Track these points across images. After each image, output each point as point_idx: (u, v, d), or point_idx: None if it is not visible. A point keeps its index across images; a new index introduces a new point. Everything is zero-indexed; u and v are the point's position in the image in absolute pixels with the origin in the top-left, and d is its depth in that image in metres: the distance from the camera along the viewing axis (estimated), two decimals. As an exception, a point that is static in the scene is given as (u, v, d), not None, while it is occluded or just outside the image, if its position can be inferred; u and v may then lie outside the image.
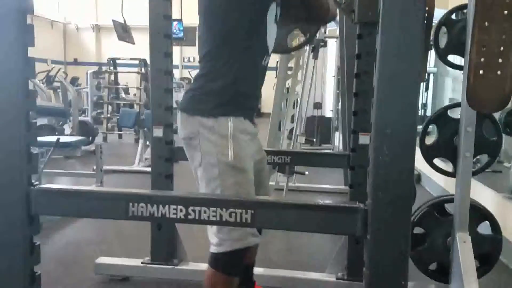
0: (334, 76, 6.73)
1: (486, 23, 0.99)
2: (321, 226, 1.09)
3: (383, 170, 1.03)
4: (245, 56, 1.40)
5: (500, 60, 0.97)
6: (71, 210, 1.17)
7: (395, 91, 1.03)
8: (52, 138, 3.41)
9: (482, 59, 0.97)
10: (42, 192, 1.15)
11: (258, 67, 1.46)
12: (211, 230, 1.38)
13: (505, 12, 0.97)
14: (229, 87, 1.38)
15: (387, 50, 1.01)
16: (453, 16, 1.96)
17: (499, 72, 0.97)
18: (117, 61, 8.48)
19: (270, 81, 4.93)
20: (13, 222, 1.13)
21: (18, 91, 1.12)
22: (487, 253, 2.00)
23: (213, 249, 1.38)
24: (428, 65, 5.91)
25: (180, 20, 7.68)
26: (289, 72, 4.51)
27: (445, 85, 6.27)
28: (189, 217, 1.14)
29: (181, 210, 1.14)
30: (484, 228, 2.05)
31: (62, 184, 4.48)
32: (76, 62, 15.85)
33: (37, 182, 1.19)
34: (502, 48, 0.98)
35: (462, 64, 1.81)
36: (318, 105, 7.52)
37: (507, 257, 2.50)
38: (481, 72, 0.98)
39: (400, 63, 1.01)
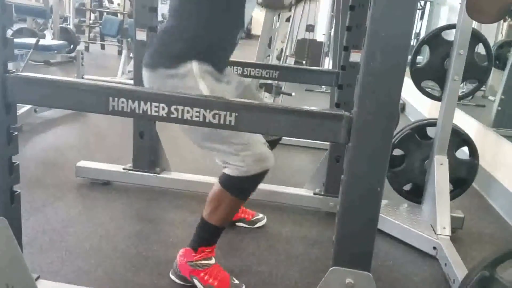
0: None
1: None
2: (305, 131, 1.08)
3: (373, 77, 1.01)
4: (215, 19, 1.35)
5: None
6: (49, 99, 1.13)
7: (392, 2, 0.99)
8: (32, 40, 3.25)
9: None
10: (20, 80, 1.10)
11: (228, 37, 1.42)
12: (225, 150, 1.32)
13: None
14: (193, 40, 1.34)
15: None
16: None
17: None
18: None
19: None
20: (-12, 107, 1.09)
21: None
22: (462, 177, 2.06)
23: (231, 171, 1.32)
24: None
25: None
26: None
27: (441, 14, 6.10)
28: (172, 115, 1.11)
29: (163, 108, 1.11)
30: (462, 154, 2.10)
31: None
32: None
33: (13, 70, 1.14)
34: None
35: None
36: (310, 28, 7.30)
37: (480, 184, 2.59)
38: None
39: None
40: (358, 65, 1.06)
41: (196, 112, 1.12)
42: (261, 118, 1.11)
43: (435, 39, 1.89)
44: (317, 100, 4.71)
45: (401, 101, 4.70)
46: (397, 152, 2.10)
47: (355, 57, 2.01)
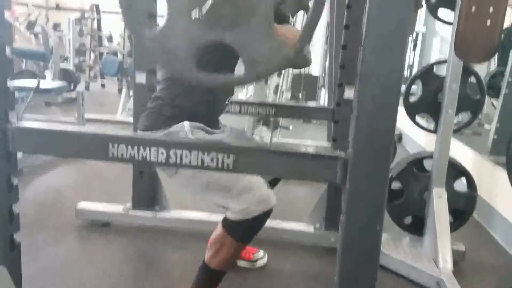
0: (323, 33, 6.63)
1: (479, -28, 0.96)
2: (302, 172, 1.10)
3: (366, 119, 1.03)
4: (205, 93, 1.43)
5: (491, 10, 0.95)
6: (49, 148, 1.15)
7: (383, 42, 1.02)
8: (33, 82, 3.31)
9: (473, 8, 0.95)
10: (20, 130, 1.13)
11: (218, 105, 1.52)
12: (226, 196, 1.32)
13: (499, -40, 0.95)
14: (184, 115, 1.42)
15: (376, 2, 0.98)
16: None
17: (489, 22, 0.95)
18: (101, 8, 8.18)
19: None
20: (-11, 159, 1.11)
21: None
22: (461, 209, 2.06)
23: (234, 215, 1.31)
24: (417, 25, 5.85)
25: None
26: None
27: (433, 45, 6.24)
28: (170, 160, 1.13)
29: (162, 153, 1.13)
30: (460, 185, 2.10)
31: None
32: (58, 8, 15.26)
33: (14, 120, 1.16)
34: (494, -3, 0.96)
35: (452, 20, 1.79)
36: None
37: (480, 214, 2.58)
38: (471, 20, 0.97)
39: (389, 13, 0.99)
40: (352, 102, 1.08)
41: (194, 155, 1.14)
42: (258, 160, 1.13)
43: (427, 74, 1.94)
44: (315, 132, 4.75)
45: (397, 132, 4.74)
46: (396, 185, 2.11)
47: (349, 93, 2.05)
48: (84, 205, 2.30)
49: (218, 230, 1.36)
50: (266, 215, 1.33)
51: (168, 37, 0.91)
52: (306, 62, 1.54)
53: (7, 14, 1.11)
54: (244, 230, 1.33)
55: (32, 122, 1.16)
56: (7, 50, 1.13)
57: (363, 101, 1.03)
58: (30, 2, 8.31)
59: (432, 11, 1.85)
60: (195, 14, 0.87)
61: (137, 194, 2.26)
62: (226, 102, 1.57)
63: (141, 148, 1.12)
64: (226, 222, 1.35)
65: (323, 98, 6.21)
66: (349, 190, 1.05)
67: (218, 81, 0.95)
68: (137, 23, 0.93)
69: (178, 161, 1.14)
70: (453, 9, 1.69)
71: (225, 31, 0.89)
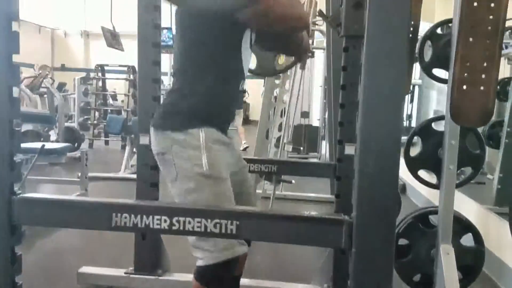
0: (321, 86, 6.78)
1: (470, 39, 1.00)
2: (306, 238, 1.10)
3: (367, 182, 1.04)
4: (217, 77, 1.40)
5: (483, 76, 0.99)
6: (53, 220, 1.16)
7: (379, 104, 1.04)
8: (37, 145, 3.36)
9: (465, 74, 0.99)
10: (25, 202, 1.14)
11: (232, 90, 1.47)
12: (195, 243, 1.32)
13: (489, 28, 0.99)
14: (200, 104, 1.39)
15: (372, 63, 1.02)
16: (439, 30, 2.00)
17: (482, 88, 0.99)
18: (106, 68, 8.43)
19: (258, 89, 4.89)
20: (-6, 231, 1.11)
21: (1, 98, 1.10)
22: (470, 265, 2.02)
23: (199, 262, 1.33)
24: (413, 77, 5.98)
25: (170, 28, 7.67)
26: (277, 82, 4.52)
27: (430, 97, 6.35)
28: (173, 228, 1.13)
29: (165, 221, 1.13)
30: (468, 240, 2.07)
31: (46, 191, 4.42)
32: (63, 68, 15.74)
33: (19, 191, 1.18)
34: (485, 64, 1.00)
35: (447, 77, 1.83)
36: (305, 114, 7.57)
37: (490, 268, 2.52)
38: (464, 87, 1.00)
39: (384, 76, 1.03)
40: (353, 158, 1.10)
41: (198, 222, 1.14)
42: (262, 226, 1.13)
43: (426, 130, 1.96)
44: (317, 185, 4.73)
45: (401, 182, 4.72)
46: (403, 241, 2.08)
47: (350, 149, 2.07)
48: (86, 269, 2.26)
49: (193, 285, 1.35)
50: (233, 261, 1.30)
51: None
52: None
53: (15, 90, 1.15)
54: (213, 275, 1.30)
55: (36, 194, 1.18)
56: (14, 122, 1.16)
57: (363, 163, 1.04)
58: (36, 63, 8.60)
59: (427, 70, 1.91)
60: None
61: (139, 258, 2.23)
62: (241, 88, 1.51)
63: (144, 216, 1.13)
64: (196, 272, 1.33)
65: (325, 150, 6.24)
66: (355, 254, 1.04)
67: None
68: None
69: (181, 228, 1.14)
70: (447, 69, 1.73)
71: None
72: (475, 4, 0.96)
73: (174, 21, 1.44)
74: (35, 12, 14.25)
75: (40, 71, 6.42)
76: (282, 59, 3.09)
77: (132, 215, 1.12)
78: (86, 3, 16.15)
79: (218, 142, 1.40)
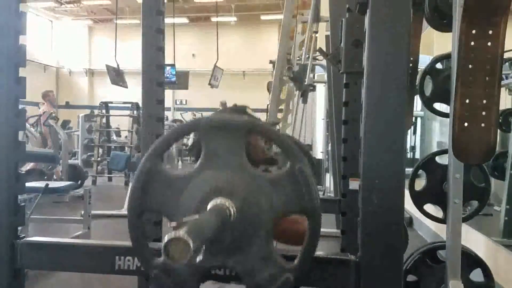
0: (323, 119, 6.83)
1: (469, 77, 1.02)
2: (314, 279, 1.08)
3: (373, 221, 1.03)
4: None
5: (484, 113, 0.99)
6: (56, 264, 1.15)
7: (381, 139, 1.04)
8: (41, 184, 3.37)
9: (466, 112, 1.00)
10: (28, 246, 1.13)
11: None
12: None
13: (487, 67, 1.01)
14: None
15: (372, 99, 1.03)
16: (438, 65, 2.02)
17: (483, 125, 0.99)
18: (110, 104, 8.54)
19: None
20: (-4, 276, 1.10)
21: (7, 142, 1.12)
22: (481, 301, 1.97)
23: None
24: (415, 109, 6.02)
25: (173, 65, 7.82)
26: (279, 116, 4.57)
27: (433, 128, 6.37)
28: (177, 269, 1.11)
29: (169, 263, 1.11)
30: (477, 275, 2.03)
31: (49, 230, 4.40)
32: (68, 105, 15.96)
33: (23, 235, 1.17)
34: (485, 101, 1.01)
35: (448, 111, 1.84)
36: (308, 147, 7.57)
37: (502, 303, 2.46)
38: (465, 124, 1.00)
39: (385, 112, 1.03)
40: (358, 193, 1.09)
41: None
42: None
43: (429, 164, 1.96)
44: (323, 220, 4.68)
45: (408, 215, 4.67)
46: (411, 278, 2.04)
47: (354, 185, 2.06)
48: (88, 311, 2.22)
49: None
50: None
51: (174, 266, 0.96)
52: None
53: (20, 134, 1.16)
54: None
55: (39, 238, 1.17)
56: (19, 166, 1.17)
57: (368, 202, 1.03)
58: (41, 101, 8.71)
59: (427, 105, 1.92)
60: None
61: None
62: None
63: (148, 259, 1.11)
64: None
65: (329, 183, 6.22)
66: (363, 295, 1.02)
67: None
68: (147, 253, 0.98)
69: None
70: (448, 103, 1.75)
71: (227, 258, 0.95)
72: (472, 43, 0.98)
73: None
74: (40, 52, 14.57)
75: (44, 111, 6.50)
76: (284, 93, 3.13)
77: (136, 258, 1.11)
78: (91, 42, 16.54)
79: None
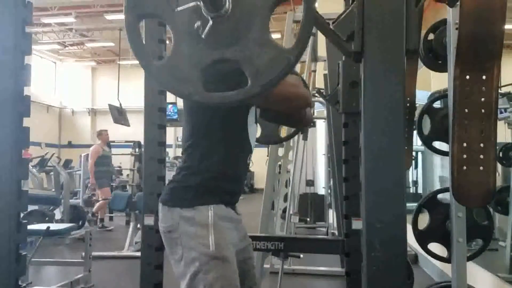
0: (324, 154, 6.84)
1: (466, 121, 1.03)
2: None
3: (376, 267, 1.02)
4: (226, 153, 1.42)
5: (481, 156, 1.01)
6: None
7: (381, 180, 1.05)
8: (42, 226, 3.35)
9: (464, 155, 1.01)
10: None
11: (240, 164, 1.48)
12: None
13: (483, 111, 1.03)
14: (209, 181, 1.40)
15: (370, 140, 1.04)
16: (436, 103, 2.05)
17: (482, 168, 1.00)
18: (111, 143, 8.59)
19: (262, 158, 4.92)
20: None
21: (10, 192, 1.13)
22: None
23: None
24: (415, 144, 6.05)
25: (175, 103, 7.94)
26: (280, 154, 4.57)
27: (434, 162, 6.37)
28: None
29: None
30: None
31: (49, 273, 4.34)
32: (70, 145, 16.04)
33: (24, 284, 1.16)
34: (482, 145, 1.02)
35: (447, 149, 1.86)
36: (310, 182, 7.57)
37: None
38: (464, 167, 1.01)
39: (383, 152, 1.04)
40: (360, 232, 1.08)
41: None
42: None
43: (432, 202, 1.96)
44: (327, 258, 4.62)
45: (413, 252, 4.60)
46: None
47: (357, 224, 2.04)
48: None
49: None
50: None
51: (175, 64, 0.96)
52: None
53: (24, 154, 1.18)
54: None
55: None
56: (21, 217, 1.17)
57: (371, 247, 1.03)
58: (44, 141, 8.79)
59: (427, 143, 1.94)
60: (199, 31, 0.92)
61: None
62: (248, 161, 1.53)
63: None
64: None
65: (332, 219, 6.16)
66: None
67: (227, 97, 0.96)
68: (147, 58, 0.97)
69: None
70: (447, 141, 1.77)
71: (226, 49, 0.94)
72: (467, 88, 1.00)
73: (182, 101, 1.49)
74: (43, 92, 14.79)
75: (47, 152, 6.54)
76: (284, 132, 3.16)
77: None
78: (94, 83, 16.81)
79: (226, 219, 1.40)
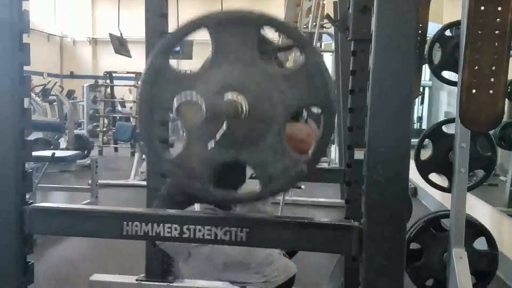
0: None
1: (478, 43, 1.00)
2: (317, 244, 1.09)
3: (377, 190, 1.03)
4: None
5: (492, 80, 0.98)
6: (65, 229, 1.16)
7: (388, 108, 1.03)
8: (47, 153, 3.39)
9: (474, 79, 0.98)
10: (36, 211, 1.14)
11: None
12: (245, 271, 1.31)
13: (497, 32, 0.99)
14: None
15: (380, 68, 1.01)
16: (447, 32, 1.99)
17: (491, 91, 0.98)
18: (114, 74, 8.49)
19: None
20: (6, 242, 1.12)
21: (13, 109, 1.12)
22: (483, 269, 2.00)
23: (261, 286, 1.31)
24: (423, 79, 5.96)
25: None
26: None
27: (440, 98, 6.31)
28: (184, 235, 1.13)
29: (175, 229, 1.13)
30: (480, 243, 2.05)
31: (56, 199, 4.47)
32: (72, 75, 15.89)
33: (31, 201, 1.19)
34: (493, 68, 0.99)
35: (456, 80, 1.82)
36: (314, 118, 7.55)
37: (504, 272, 2.49)
38: (473, 91, 0.99)
39: (392, 80, 1.02)
40: (363, 162, 1.09)
41: (208, 230, 1.14)
42: (272, 233, 1.13)
43: (436, 133, 1.95)
44: (327, 190, 4.72)
45: (412, 185, 4.69)
46: (415, 246, 2.07)
47: (359, 154, 2.06)
48: (97, 277, 2.27)
49: None
50: (288, 284, 1.31)
51: (186, 160, 0.96)
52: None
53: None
54: None
55: (47, 204, 1.19)
56: (25, 134, 1.17)
57: (373, 170, 1.03)
58: (46, 71, 8.70)
59: (436, 73, 1.90)
60: (210, 144, 0.90)
61: (150, 265, 2.23)
62: None
63: (155, 225, 1.13)
64: None
65: (334, 154, 6.22)
66: (366, 260, 1.03)
67: (235, 197, 1.01)
68: (158, 149, 0.98)
69: (192, 236, 1.14)
70: (456, 71, 1.72)
71: (240, 152, 0.94)
72: (482, 8, 0.95)
73: None
74: (43, 21, 14.42)
75: (49, 80, 6.49)
76: (290, 62, 3.09)
77: (143, 224, 1.12)
78: (94, 11, 16.33)
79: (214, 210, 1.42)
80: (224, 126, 0.88)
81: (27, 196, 1.17)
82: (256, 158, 0.94)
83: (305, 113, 1.42)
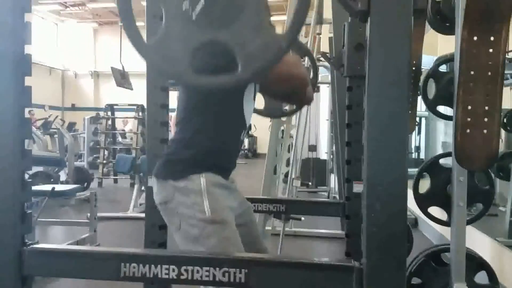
0: (327, 120, 6.83)
1: (471, 84, 1.02)
2: (316, 286, 1.08)
3: (376, 229, 1.03)
4: (219, 128, 1.41)
5: (485, 119, 1.00)
6: (63, 271, 1.16)
7: (384, 144, 1.04)
8: (47, 187, 3.39)
9: (468, 119, 1.00)
10: (35, 253, 1.14)
11: (233, 140, 1.47)
12: None
13: (489, 73, 1.01)
14: (202, 154, 1.39)
15: (374, 103, 1.03)
16: (442, 67, 2.02)
17: (485, 131, 0.99)
18: (115, 106, 8.57)
19: (265, 123, 4.93)
20: (5, 283, 1.11)
21: (13, 151, 1.13)
22: (486, 304, 1.97)
23: None
24: (419, 109, 6.00)
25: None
26: (283, 119, 4.56)
27: (437, 128, 6.35)
28: (182, 277, 1.12)
29: (173, 270, 1.13)
30: (482, 277, 2.03)
31: (55, 233, 4.44)
32: (73, 108, 16.03)
33: (30, 242, 1.19)
34: (487, 108, 1.01)
35: (452, 114, 1.84)
36: (312, 148, 7.59)
37: (508, 305, 2.46)
38: (467, 131, 1.01)
39: (387, 118, 1.03)
40: (362, 195, 1.09)
41: (206, 271, 1.13)
42: (271, 274, 1.12)
43: (433, 167, 1.96)
44: (328, 221, 4.69)
45: (413, 216, 4.66)
46: (416, 281, 2.04)
47: (358, 188, 2.06)
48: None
49: None
50: None
51: (165, 44, 0.93)
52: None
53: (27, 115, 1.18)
54: None
55: (46, 245, 1.19)
56: (25, 176, 1.18)
57: (371, 209, 1.04)
58: (47, 103, 8.77)
59: (431, 108, 1.92)
60: (189, 12, 0.88)
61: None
62: (241, 138, 1.52)
63: (153, 266, 1.13)
64: None
65: (334, 183, 6.22)
66: (366, 301, 1.03)
67: (216, 82, 0.94)
68: (138, 37, 0.94)
69: (189, 278, 1.14)
70: (451, 106, 1.75)
71: (218, 30, 0.91)
72: (474, 50, 0.98)
73: None
74: (45, 54, 14.65)
75: (51, 114, 6.55)
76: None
77: (141, 265, 1.12)
78: (96, 45, 16.62)
79: (219, 186, 1.40)
80: (202, 1, 0.87)
81: (26, 237, 1.18)
82: (234, 36, 0.90)
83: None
